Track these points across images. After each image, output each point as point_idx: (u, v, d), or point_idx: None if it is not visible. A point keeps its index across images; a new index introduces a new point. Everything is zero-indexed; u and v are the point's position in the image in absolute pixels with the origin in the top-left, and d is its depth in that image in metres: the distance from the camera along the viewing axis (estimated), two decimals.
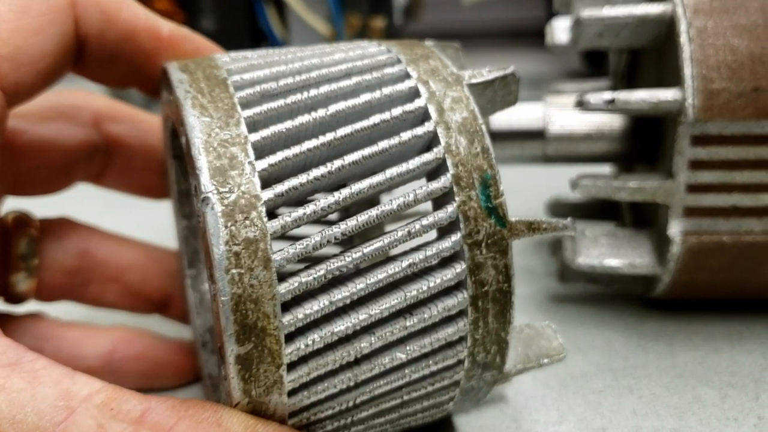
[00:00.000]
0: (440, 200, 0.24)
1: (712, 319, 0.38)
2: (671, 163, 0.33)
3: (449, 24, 1.03)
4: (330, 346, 0.23)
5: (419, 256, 0.23)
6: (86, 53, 0.27)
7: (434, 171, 0.24)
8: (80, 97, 0.31)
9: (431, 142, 0.24)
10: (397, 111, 0.24)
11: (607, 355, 0.36)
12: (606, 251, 0.36)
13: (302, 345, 0.22)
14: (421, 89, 0.25)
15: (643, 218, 0.39)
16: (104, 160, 0.32)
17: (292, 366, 0.22)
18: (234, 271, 0.21)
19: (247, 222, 0.21)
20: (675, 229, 0.33)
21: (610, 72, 0.42)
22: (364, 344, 0.23)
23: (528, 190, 0.48)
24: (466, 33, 1.05)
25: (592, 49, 0.37)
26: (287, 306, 0.22)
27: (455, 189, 0.23)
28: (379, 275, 0.23)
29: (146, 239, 0.34)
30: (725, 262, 0.34)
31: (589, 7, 0.35)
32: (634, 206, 0.41)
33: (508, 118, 0.38)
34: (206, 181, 0.21)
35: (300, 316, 0.22)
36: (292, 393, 0.22)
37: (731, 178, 0.32)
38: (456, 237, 0.23)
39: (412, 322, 0.23)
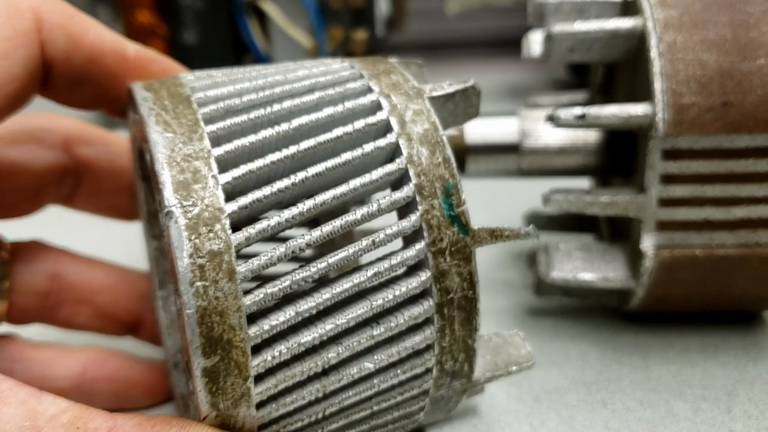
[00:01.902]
0: (404, 210, 0.24)
1: (688, 332, 0.38)
2: (643, 178, 0.33)
3: (433, 33, 1.03)
4: (297, 357, 0.23)
5: (384, 265, 0.23)
6: (53, 76, 0.27)
7: (397, 181, 0.24)
8: (49, 119, 0.31)
9: (394, 153, 0.24)
10: (359, 124, 0.24)
11: (581, 369, 0.36)
12: (580, 265, 0.36)
13: (269, 357, 0.22)
14: (383, 102, 0.25)
15: (619, 230, 0.39)
16: (74, 183, 0.32)
17: (259, 378, 0.22)
18: (199, 283, 0.21)
19: (211, 234, 0.21)
20: (647, 243, 0.33)
21: (589, 83, 0.42)
22: (332, 354, 0.23)
23: (507, 202, 0.49)
24: (451, 42, 1.05)
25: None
26: (253, 318, 0.22)
27: (418, 198, 0.24)
28: (345, 285, 0.23)
29: (118, 260, 0.34)
30: (698, 276, 0.34)
31: (561, 21, 0.36)
32: (610, 219, 0.41)
33: (484, 132, 0.38)
34: (169, 195, 0.21)
35: (266, 327, 0.22)
36: (260, 405, 0.23)
37: (703, 192, 0.33)
38: (420, 245, 0.24)
39: (379, 331, 0.24)
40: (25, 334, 0.32)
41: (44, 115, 0.31)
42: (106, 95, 0.29)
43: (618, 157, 0.38)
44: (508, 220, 0.47)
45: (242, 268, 0.21)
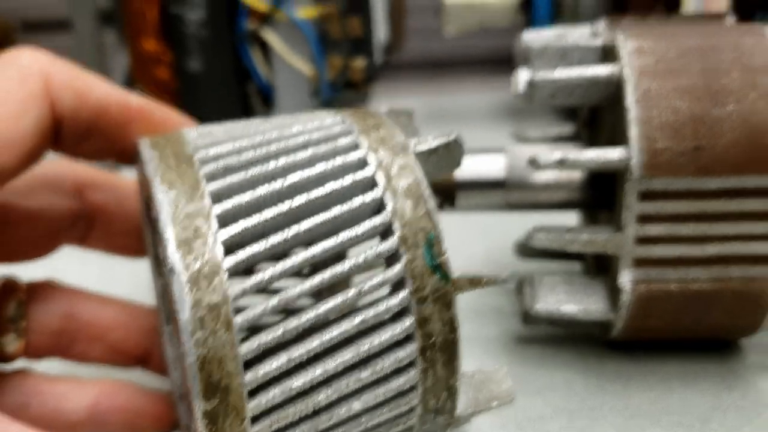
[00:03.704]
0: (389, 259, 0.26)
1: (669, 359, 0.40)
2: (620, 217, 0.34)
3: (431, 52, 1.04)
4: (290, 400, 0.24)
5: (370, 312, 0.25)
6: (63, 132, 0.29)
7: (383, 233, 0.26)
8: (61, 166, 0.33)
9: (380, 206, 0.26)
10: (348, 179, 0.26)
11: (565, 397, 0.37)
12: (563, 298, 0.38)
13: (264, 400, 0.24)
14: (371, 158, 0.27)
15: (602, 261, 0.40)
16: (86, 226, 0.34)
17: (255, 419, 0.24)
18: (199, 333, 0.22)
19: (211, 288, 0.23)
20: (625, 278, 0.35)
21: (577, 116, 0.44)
22: (322, 397, 0.25)
23: (500, 229, 0.50)
24: (449, 61, 1.06)
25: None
26: (249, 364, 0.23)
27: (402, 249, 0.25)
28: (334, 332, 0.25)
29: (125, 288, 0.36)
30: (674, 309, 0.36)
31: (545, 64, 0.37)
32: None
33: (472, 168, 0.40)
34: (173, 252, 0.23)
35: (261, 373, 0.23)
36: None
37: (677, 231, 0.34)
38: (404, 293, 0.25)
39: (365, 375, 0.25)
40: (38, 364, 0.34)
41: (56, 163, 0.32)
42: (113, 146, 0.31)
43: (601, 192, 0.39)
44: (500, 248, 0.49)
45: (239, 318, 0.23)
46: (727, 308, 0.36)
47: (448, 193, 0.40)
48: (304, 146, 0.27)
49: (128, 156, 0.31)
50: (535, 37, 0.39)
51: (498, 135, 0.52)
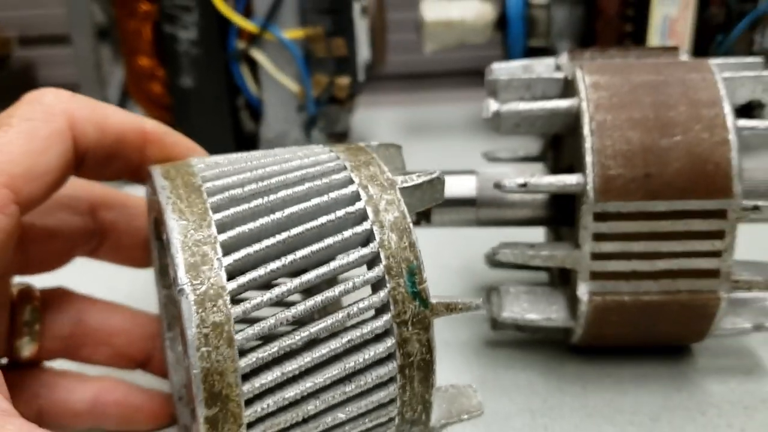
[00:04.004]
0: (375, 286, 0.29)
1: (624, 363, 0.43)
2: (578, 235, 0.38)
3: (412, 66, 1.07)
4: (282, 409, 0.27)
5: (356, 333, 0.28)
6: (86, 160, 0.32)
7: (370, 262, 0.29)
8: (77, 186, 0.36)
9: (368, 238, 0.29)
10: (341, 212, 0.29)
11: (529, 397, 0.41)
12: (527, 307, 0.41)
13: (259, 408, 0.27)
14: (361, 193, 0.30)
15: (565, 273, 0.44)
16: (98, 241, 0.37)
17: (251, 425, 0.27)
18: (203, 349, 0.25)
19: (215, 308, 0.26)
20: (582, 290, 0.39)
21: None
22: (311, 407, 0.28)
23: (474, 242, 0.53)
24: (429, 74, 1.09)
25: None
26: (247, 377, 0.26)
27: (387, 277, 0.28)
28: (323, 350, 0.28)
29: (128, 293, 0.39)
30: (627, 318, 0.39)
31: (511, 95, 0.41)
32: None
33: (447, 187, 0.44)
34: (182, 275, 0.26)
35: (257, 385, 0.26)
36: None
37: (629, 248, 0.38)
38: (387, 317, 0.28)
39: (350, 389, 0.28)
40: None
41: (72, 183, 0.35)
42: (129, 166, 0.34)
43: (563, 210, 0.43)
44: (474, 258, 0.53)
45: (239, 336, 0.26)
46: (676, 317, 0.40)
47: (424, 211, 0.43)
48: (302, 180, 0.30)
49: (141, 176, 0.34)
50: (502, 69, 0.43)
51: (475, 145, 0.56)
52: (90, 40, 0.71)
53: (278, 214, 0.29)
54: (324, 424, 0.28)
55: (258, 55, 0.71)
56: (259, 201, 0.29)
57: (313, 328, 0.27)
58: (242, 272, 0.27)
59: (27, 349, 0.35)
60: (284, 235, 0.28)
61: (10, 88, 1.01)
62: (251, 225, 0.28)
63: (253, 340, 0.27)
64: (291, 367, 0.27)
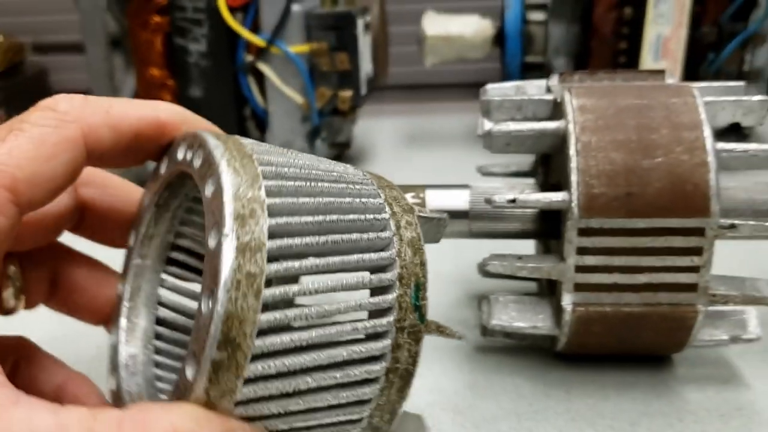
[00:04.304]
0: (386, 288, 0.31)
1: (607, 370, 0.45)
2: (563, 249, 0.40)
3: (414, 77, 1.09)
4: (280, 375, 0.28)
5: (361, 324, 0.30)
6: (103, 158, 0.33)
7: (385, 267, 0.31)
8: None
9: (388, 245, 0.31)
10: (370, 216, 0.31)
11: (515, 401, 0.43)
12: (515, 315, 0.44)
13: (261, 367, 0.27)
14: (386, 208, 0.32)
15: (552, 284, 0.46)
16: (79, 217, 0.37)
17: (248, 381, 0.27)
18: (233, 293, 0.26)
19: (252, 260, 0.27)
20: (567, 300, 0.41)
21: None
22: (301, 382, 0.29)
23: (469, 250, 0.55)
24: (431, 84, 1.11)
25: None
26: (262, 333, 0.27)
27: (398, 284, 0.31)
28: (331, 330, 0.29)
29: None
30: (609, 328, 0.42)
31: (503, 115, 0.43)
32: None
33: (441, 200, 0.46)
34: (230, 222, 0.27)
35: (267, 343, 0.27)
36: (237, 404, 0.28)
37: (611, 262, 0.40)
38: (390, 319, 0.30)
39: (339, 375, 0.30)
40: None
41: None
42: (148, 155, 0.35)
43: (551, 224, 0.45)
44: (468, 266, 0.54)
45: (267, 292, 0.27)
46: (656, 329, 0.42)
47: None
48: (338, 180, 0.32)
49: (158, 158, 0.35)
50: (495, 90, 0.45)
51: (472, 155, 0.58)
52: (103, 49, 0.73)
53: (318, 199, 0.30)
54: (307, 402, 0.29)
55: (265, 68, 0.73)
56: (302, 183, 0.30)
57: (328, 307, 0.29)
58: (280, 237, 0.28)
59: (11, 300, 0.35)
60: (320, 218, 0.30)
61: (23, 93, 1.03)
62: (293, 200, 0.29)
63: (278, 300, 0.28)
64: (299, 337, 0.28)
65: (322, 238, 0.29)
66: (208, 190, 0.28)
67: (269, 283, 0.28)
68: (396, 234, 0.31)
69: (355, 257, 0.30)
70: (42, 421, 0.25)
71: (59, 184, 0.31)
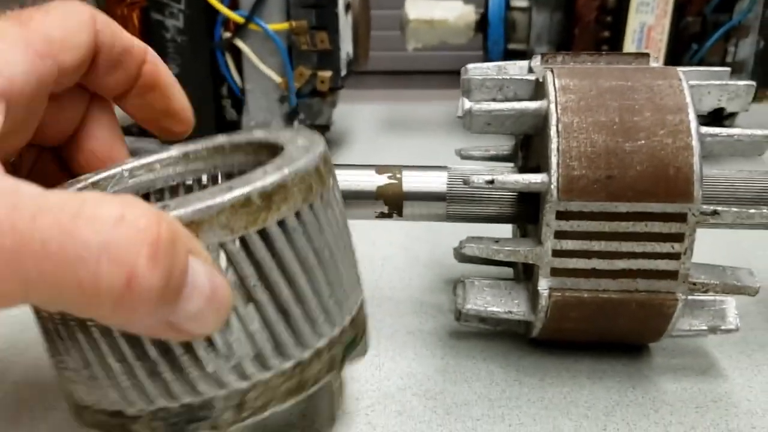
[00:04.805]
0: None
1: (582, 358, 0.45)
2: (541, 232, 0.40)
3: (397, 62, 1.09)
4: None
5: None
6: (98, 59, 0.35)
7: None
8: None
9: None
10: None
11: (488, 387, 0.42)
12: (490, 300, 0.43)
13: None
14: None
15: (529, 268, 0.45)
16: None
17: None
18: None
19: None
20: (543, 285, 0.40)
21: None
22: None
23: (446, 233, 0.55)
24: (413, 70, 1.11)
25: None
26: None
27: None
28: None
29: None
30: (586, 315, 0.41)
31: (484, 95, 0.42)
32: None
33: (418, 181, 0.45)
34: None
35: None
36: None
37: (590, 246, 0.39)
38: None
39: None
40: None
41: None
42: (127, 81, 0.36)
43: (529, 208, 0.44)
44: (444, 250, 0.54)
45: None
46: (634, 316, 0.41)
47: (396, 204, 0.45)
48: None
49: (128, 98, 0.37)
50: (477, 69, 0.44)
51: (452, 142, 0.56)
52: None
53: None
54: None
55: (243, 45, 0.72)
56: None
57: None
58: None
59: None
60: None
61: None
62: None
63: None
64: None
65: None
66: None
67: None
68: None
69: None
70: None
71: (83, 56, 0.33)
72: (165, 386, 0.28)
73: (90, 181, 0.36)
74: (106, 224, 0.23)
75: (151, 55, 0.37)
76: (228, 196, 0.27)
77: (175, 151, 0.38)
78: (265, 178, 0.28)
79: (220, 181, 0.39)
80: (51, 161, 0.39)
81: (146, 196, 0.39)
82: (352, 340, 0.34)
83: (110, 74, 0.36)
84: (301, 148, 0.32)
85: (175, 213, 0.26)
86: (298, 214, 0.30)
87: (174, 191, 0.39)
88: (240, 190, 0.27)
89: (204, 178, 0.39)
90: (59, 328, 0.28)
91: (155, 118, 0.39)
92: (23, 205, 0.23)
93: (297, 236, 0.30)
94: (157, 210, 0.24)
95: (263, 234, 0.29)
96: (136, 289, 0.23)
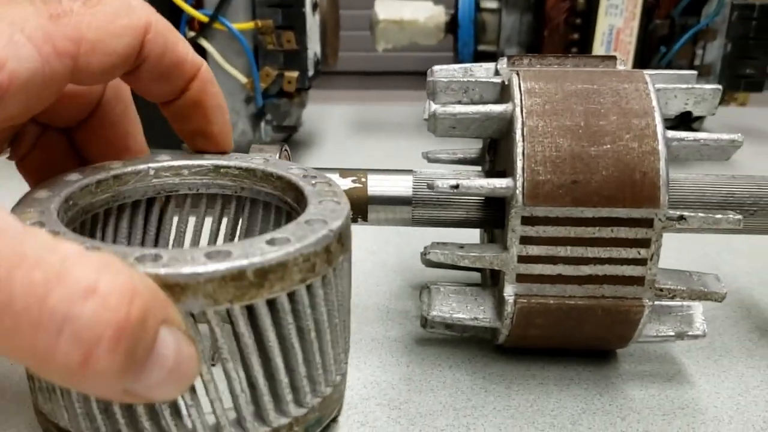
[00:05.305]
0: None
1: (550, 365, 0.44)
2: (506, 238, 0.39)
3: (366, 63, 1.08)
4: None
5: None
6: (143, 68, 0.34)
7: None
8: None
9: None
10: None
11: (454, 395, 0.42)
12: (455, 306, 0.42)
13: None
14: None
15: (496, 274, 0.45)
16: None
17: None
18: None
19: None
20: (509, 291, 0.40)
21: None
22: None
23: (412, 238, 0.54)
24: (382, 71, 1.10)
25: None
26: None
27: None
28: None
29: None
30: (552, 321, 0.40)
31: (449, 98, 0.42)
32: None
33: (383, 185, 0.44)
34: None
35: None
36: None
37: (556, 252, 0.39)
38: None
39: None
40: None
41: None
42: (172, 92, 0.36)
43: (496, 213, 0.44)
44: (411, 255, 0.53)
45: None
46: (601, 322, 0.40)
47: (360, 208, 0.44)
48: None
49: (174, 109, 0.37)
50: (442, 72, 0.43)
51: (421, 144, 0.56)
52: None
53: None
54: None
55: (207, 45, 0.71)
56: None
57: None
58: None
59: None
60: None
61: None
62: None
63: None
64: None
65: None
66: None
67: None
68: None
69: None
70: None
71: (115, 63, 0.32)
72: None
73: (113, 173, 0.36)
74: (76, 294, 0.22)
75: (204, 72, 0.36)
76: (221, 267, 0.26)
77: (206, 161, 0.38)
78: (266, 253, 0.27)
79: (245, 206, 0.39)
80: (57, 141, 0.38)
81: (167, 200, 0.39)
82: (317, 421, 0.34)
83: (154, 84, 0.35)
84: (322, 211, 0.31)
85: (163, 271, 0.25)
86: (291, 295, 0.29)
87: (196, 201, 0.39)
88: (235, 262, 0.26)
89: (229, 193, 0.39)
90: None
91: (191, 134, 0.38)
92: (2, 254, 0.21)
93: (284, 316, 0.29)
94: (137, 275, 0.23)
95: (249, 309, 0.28)
96: (91, 369, 0.22)
